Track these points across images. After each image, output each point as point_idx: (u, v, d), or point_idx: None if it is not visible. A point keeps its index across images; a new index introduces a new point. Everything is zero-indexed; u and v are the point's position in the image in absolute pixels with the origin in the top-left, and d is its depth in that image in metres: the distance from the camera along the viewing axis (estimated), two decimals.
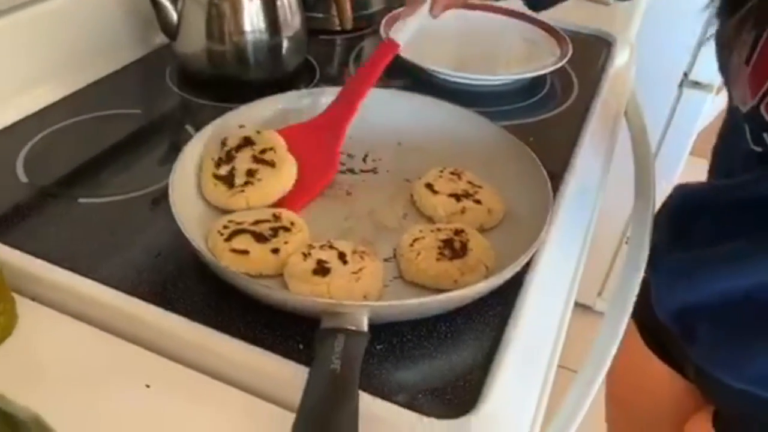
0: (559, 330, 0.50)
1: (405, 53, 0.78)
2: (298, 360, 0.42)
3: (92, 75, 0.73)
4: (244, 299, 0.45)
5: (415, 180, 0.59)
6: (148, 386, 0.41)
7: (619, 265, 1.55)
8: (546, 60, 0.83)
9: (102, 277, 0.48)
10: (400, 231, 0.53)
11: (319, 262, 0.47)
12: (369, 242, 0.53)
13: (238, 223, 0.50)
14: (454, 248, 0.50)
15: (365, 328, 0.41)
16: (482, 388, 0.42)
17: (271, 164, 0.55)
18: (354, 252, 0.49)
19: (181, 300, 0.47)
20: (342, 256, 0.48)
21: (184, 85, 0.75)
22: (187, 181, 0.55)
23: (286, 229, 0.50)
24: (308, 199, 0.56)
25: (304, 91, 0.65)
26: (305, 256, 0.48)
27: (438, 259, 0.49)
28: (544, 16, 0.88)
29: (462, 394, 0.42)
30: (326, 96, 0.63)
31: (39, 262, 0.48)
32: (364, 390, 0.41)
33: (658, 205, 0.68)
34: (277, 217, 0.52)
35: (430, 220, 0.56)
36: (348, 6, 0.83)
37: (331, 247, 0.49)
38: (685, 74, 1.28)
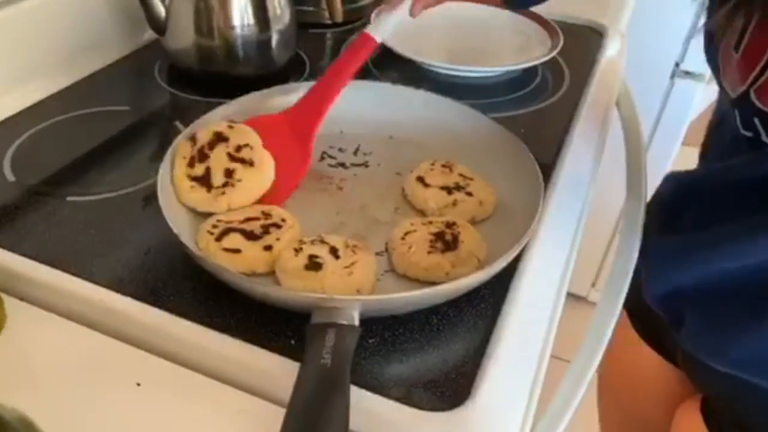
0: (552, 321, 0.49)
1: (396, 46, 0.78)
2: (290, 356, 0.42)
3: (80, 72, 0.73)
4: (234, 296, 0.45)
5: (406, 173, 0.59)
6: (138, 384, 0.41)
7: (612, 256, 1.55)
8: (537, 51, 0.82)
9: (91, 275, 0.47)
10: (392, 225, 0.53)
11: (311, 257, 0.47)
12: (361, 236, 0.53)
13: (228, 222, 0.50)
14: (445, 241, 0.50)
15: (356, 322, 0.41)
16: (475, 379, 0.42)
17: (250, 163, 0.54)
18: (346, 246, 0.49)
19: (171, 297, 0.46)
20: (334, 251, 0.48)
21: (173, 80, 0.75)
22: None
23: (278, 226, 0.50)
24: (287, 195, 0.56)
25: (293, 85, 0.65)
26: (297, 252, 0.48)
27: (429, 252, 0.49)
28: (534, 7, 0.87)
29: (455, 386, 0.42)
30: None
31: (27, 261, 0.48)
32: (357, 384, 0.41)
33: (650, 195, 0.68)
34: (267, 215, 0.51)
35: (421, 213, 0.56)
36: None
37: (323, 241, 0.49)
38: (677, 64, 1.28)
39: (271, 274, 0.48)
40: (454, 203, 0.55)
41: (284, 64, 0.77)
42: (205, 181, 0.53)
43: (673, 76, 1.29)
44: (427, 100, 0.65)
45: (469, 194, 0.55)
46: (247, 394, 0.41)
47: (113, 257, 0.50)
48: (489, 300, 0.48)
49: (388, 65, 0.80)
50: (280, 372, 0.41)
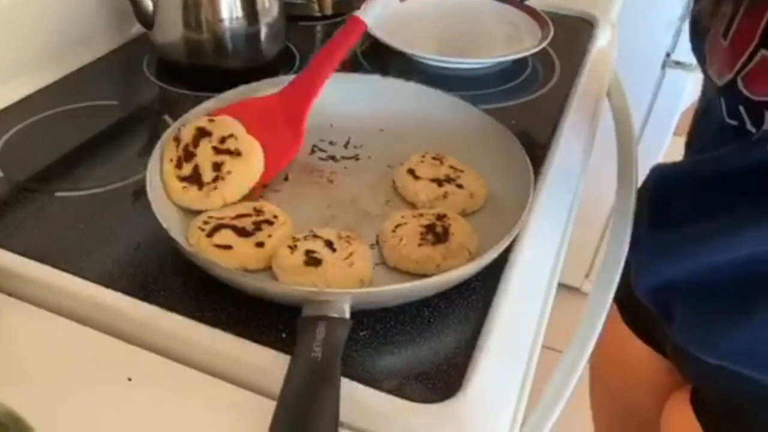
0: (543, 312, 0.50)
1: (385, 38, 0.77)
2: (282, 349, 0.42)
3: (67, 66, 0.72)
4: (225, 290, 0.45)
5: (397, 166, 0.58)
6: (129, 379, 0.41)
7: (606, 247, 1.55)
8: (528, 42, 0.82)
9: (81, 271, 0.47)
10: (383, 217, 0.53)
11: (308, 252, 0.47)
12: (352, 229, 0.53)
13: (219, 218, 0.50)
14: (436, 233, 0.50)
15: (347, 315, 0.41)
16: (466, 371, 0.42)
17: (237, 153, 0.53)
18: (339, 238, 0.49)
19: (161, 292, 0.46)
20: (329, 244, 0.48)
21: (161, 74, 0.74)
22: None
23: (269, 223, 0.50)
24: (274, 173, 0.56)
25: (283, 78, 0.64)
26: (292, 248, 0.48)
27: (420, 245, 0.49)
28: None
29: (446, 378, 0.42)
30: None
31: (16, 257, 0.48)
32: (348, 377, 0.41)
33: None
34: (259, 211, 0.51)
35: (412, 205, 0.56)
36: None
37: (316, 236, 0.49)
38: (668, 54, 1.28)
39: (263, 270, 0.48)
40: (445, 195, 0.55)
41: (273, 57, 0.77)
42: (195, 179, 0.52)
43: (664, 66, 1.29)
44: (417, 92, 0.64)
45: (460, 186, 0.55)
46: (238, 388, 0.41)
47: (103, 252, 0.49)
48: (480, 292, 0.48)
49: (378, 57, 0.79)
50: (271, 365, 0.41)
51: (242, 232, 0.49)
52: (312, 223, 0.52)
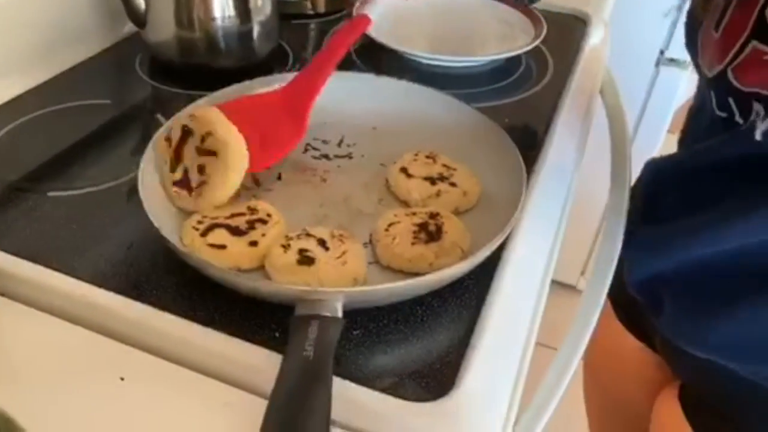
0: (536, 310, 0.50)
1: (379, 36, 0.77)
2: (275, 348, 0.42)
3: (59, 65, 0.72)
4: (218, 289, 0.45)
5: (390, 164, 0.58)
6: (122, 379, 0.41)
7: None
8: (520, 40, 0.82)
9: (73, 270, 0.47)
10: (376, 216, 0.53)
11: (301, 251, 0.47)
12: (345, 228, 0.53)
13: (213, 218, 0.50)
14: (429, 232, 0.50)
15: (340, 314, 0.41)
16: (459, 369, 0.42)
17: (214, 153, 0.51)
18: (332, 236, 0.49)
19: (154, 291, 0.46)
20: (322, 243, 0.48)
21: (154, 73, 0.74)
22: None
23: (263, 222, 0.50)
24: (270, 163, 0.55)
25: (276, 76, 0.64)
26: (285, 248, 0.47)
27: (413, 243, 0.49)
28: None
29: (439, 376, 0.42)
30: None
31: (8, 257, 0.48)
32: (341, 375, 0.41)
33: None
34: (253, 210, 0.51)
35: (405, 204, 0.56)
36: None
37: (309, 235, 0.49)
38: (662, 51, 1.28)
39: (257, 269, 0.48)
40: (438, 194, 0.55)
41: (266, 55, 0.76)
42: (185, 183, 0.52)
43: (657, 63, 1.30)
44: (410, 90, 0.64)
45: (453, 185, 0.55)
46: (231, 387, 0.41)
47: (95, 252, 0.49)
48: (473, 290, 0.48)
49: (372, 56, 0.79)
50: (264, 365, 0.41)
51: (236, 231, 0.49)
52: (305, 221, 0.52)
